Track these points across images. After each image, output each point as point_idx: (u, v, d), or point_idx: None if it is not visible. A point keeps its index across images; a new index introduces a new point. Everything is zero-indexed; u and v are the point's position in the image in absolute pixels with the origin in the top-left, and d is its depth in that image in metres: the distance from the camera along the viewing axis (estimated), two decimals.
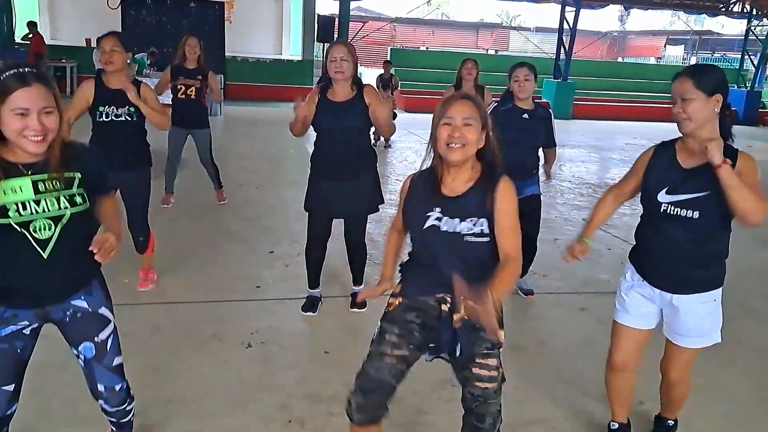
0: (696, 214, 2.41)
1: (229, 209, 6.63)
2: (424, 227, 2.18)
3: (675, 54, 36.67)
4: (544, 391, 3.38)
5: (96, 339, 2.21)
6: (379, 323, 2.33)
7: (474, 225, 2.14)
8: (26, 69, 1.87)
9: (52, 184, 1.99)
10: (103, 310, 2.24)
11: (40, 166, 1.97)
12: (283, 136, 11.65)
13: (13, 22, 17.17)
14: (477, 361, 2.22)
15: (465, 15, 45.81)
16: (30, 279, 2.04)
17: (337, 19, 17.40)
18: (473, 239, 2.14)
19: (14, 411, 2.20)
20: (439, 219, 2.16)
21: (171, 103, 6.12)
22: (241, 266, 4.91)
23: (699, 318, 2.55)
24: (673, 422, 3.04)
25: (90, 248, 1.93)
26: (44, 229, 1.99)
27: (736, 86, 21.14)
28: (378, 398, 2.23)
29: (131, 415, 2.51)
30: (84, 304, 2.19)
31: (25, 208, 1.94)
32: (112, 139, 3.84)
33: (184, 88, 6.12)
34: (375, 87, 4.14)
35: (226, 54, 16.89)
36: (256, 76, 17.51)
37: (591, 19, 31.19)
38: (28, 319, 2.11)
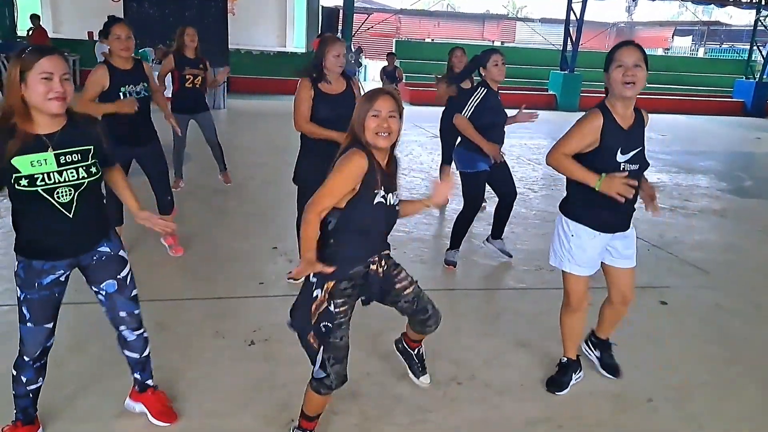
0: (637, 167, 2.90)
1: (232, 203, 6.60)
2: (374, 203, 2.47)
3: (683, 45, 36.39)
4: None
5: (118, 276, 2.62)
6: (325, 301, 2.52)
7: (396, 197, 2.57)
8: (44, 46, 2.28)
9: (72, 156, 2.35)
10: (122, 253, 2.65)
11: (57, 137, 2.32)
12: (287, 130, 11.60)
13: (15, 16, 17.15)
14: (395, 281, 2.73)
15: (471, 6, 45.68)
16: (64, 237, 2.43)
17: (341, 11, 17.32)
18: (397, 207, 2.60)
19: (52, 344, 2.61)
20: (384, 197, 2.49)
21: (172, 94, 6.38)
22: (245, 262, 4.87)
23: (633, 241, 3.17)
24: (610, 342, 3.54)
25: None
26: (65, 195, 2.34)
27: (744, 77, 20.98)
28: (346, 360, 2.60)
29: (148, 347, 2.82)
30: (107, 249, 2.59)
31: (50, 178, 2.30)
32: (135, 115, 4.24)
33: (191, 77, 6.38)
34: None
35: (230, 47, 16.83)
36: (260, 68, 17.44)
37: (598, 10, 30.99)
38: (63, 269, 2.50)
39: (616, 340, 3.89)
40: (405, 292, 2.75)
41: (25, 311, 2.49)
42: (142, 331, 2.76)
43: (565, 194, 3.13)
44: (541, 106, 18.23)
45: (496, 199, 5.15)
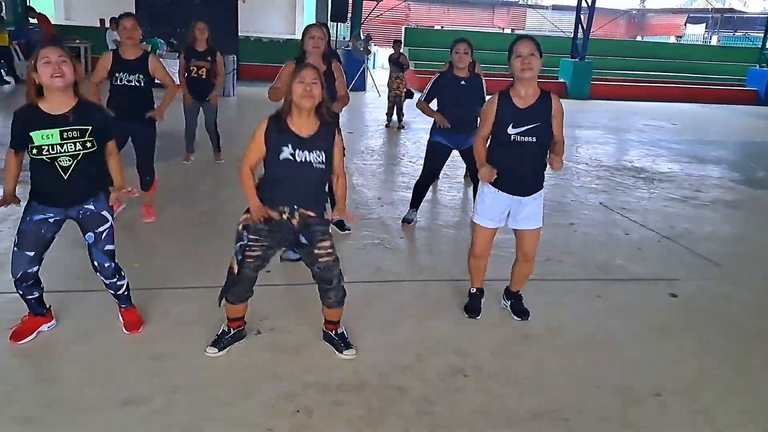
0: (534, 139, 3.46)
1: (239, 191, 6.56)
2: (281, 158, 2.99)
3: (696, 33, 35.93)
4: (556, 381, 3.29)
5: (96, 231, 3.23)
6: (240, 224, 3.12)
7: (318, 156, 3.02)
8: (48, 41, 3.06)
9: (72, 133, 3.01)
10: (105, 213, 3.24)
11: (63, 119, 2.99)
12: None
13: (28, 3, 17.17)
14: (316, 245, 3.15)
15: None
16: (57, 191, 3.10)
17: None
18: (317, 166, 3.03)
19: (36, 271, 3.22)
20: (292, 154, 2.98)
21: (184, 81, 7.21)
22: None
23: (536, 207, 3.66)
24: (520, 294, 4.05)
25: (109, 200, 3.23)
26: (65, 162, 3.02)
27: (757, 66, 20.71)
28: (244, 288, 3.23)
29: (123, 289, 3.45)
30: (92, 207, 3.20)
31: (53, 149, 2.98)
32: (124, 98, 4.95)
33: (195, 68, 7.06)
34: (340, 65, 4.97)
35: (239, 34, 16.76)
36: (269, 56, 17.31)
37: None
38: (53, 213, 3.15)
39: (625, 332, 3.87)
40: (321, 260, 3.16)
41: (16, 238, 3.16)
42: (115, 280, 3.37)
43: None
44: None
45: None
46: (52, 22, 16.64)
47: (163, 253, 4.73)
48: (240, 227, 3.12)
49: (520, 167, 3.55)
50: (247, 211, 3.13)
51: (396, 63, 11.45)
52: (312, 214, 3.12)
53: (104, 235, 3.25)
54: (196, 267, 4.45)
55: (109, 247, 3.29)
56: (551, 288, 4.44)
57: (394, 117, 11.46)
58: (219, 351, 3.31)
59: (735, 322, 4.11)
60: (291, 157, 2.99)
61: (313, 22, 17.76)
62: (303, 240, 3.15)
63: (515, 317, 3.94)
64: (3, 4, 15.91)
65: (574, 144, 10.80)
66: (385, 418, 2.90)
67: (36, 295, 3.31)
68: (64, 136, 2.99)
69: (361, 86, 16.52)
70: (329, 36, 4.62)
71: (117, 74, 4.93)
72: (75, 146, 3.01)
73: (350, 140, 5.28)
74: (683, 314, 4.19)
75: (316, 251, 3.16)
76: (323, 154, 3.05)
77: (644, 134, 12.23)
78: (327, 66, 4.53)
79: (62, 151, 2.99)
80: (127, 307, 3.53)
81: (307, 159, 3.01)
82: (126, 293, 3.49)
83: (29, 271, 3.18)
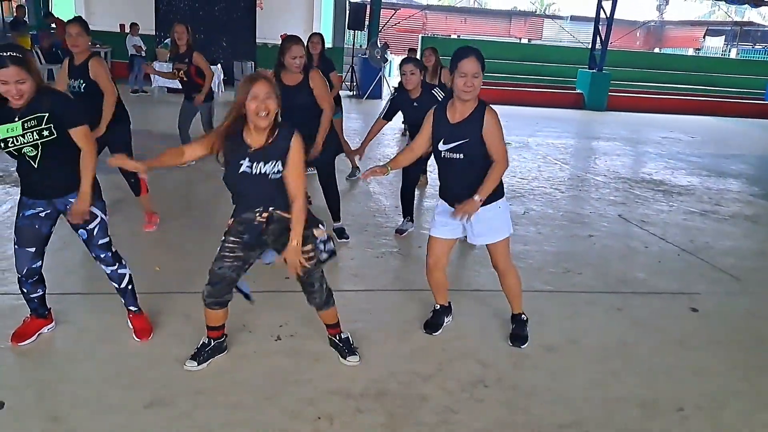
0: (461, 156, 3.33)
1: None
2: (239, 172, 2.94)
3: (714, 45, 35.76)
4: (578, 393, 3.28)
5: (87, 228, 3.27)
6: (224, 234, 3.12)
7: (274, 166, 2.93)
8: (5, 54, 2.84)
9: (30, 123, 3.00)
10: (93, 209, 3.23)
11: (23, 109, 2.98)
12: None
13: (50, 7, 17.37)
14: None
15: (498, 2, 45.20)
16: (32, 180, 3.16)
17: (368, 7, 17.28)
18: (274, 176, 2.95)
19: (39, 266, 3.32)
20: (249, 167, 2.92)
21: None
22: None
23: (488, 221, 3.45)
24: (525, 317, 3.84)
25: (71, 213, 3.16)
26: (30, 151, 3.04)
27: None
28: (222, 288, 3.14)
29: (126, 281, 3.47)
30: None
31: (17, 141, 3.01)
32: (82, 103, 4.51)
33: (177, 71, 7.13)
34: (320, 72, 5.03)
35: (257, 41, 16.87)
36: None
37: (628, 8, 30.59)
38: (42, 206, 3.21)
39: (646, 345, 3.85)
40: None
41: (14, 236, 3.25)
42: (115, 267, 3.41)
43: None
44: (568, 105, 18.09)
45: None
46: None
47: (183, 255, 4.76)
48: (227, 234, 3.12)
49: (454, 184, 3.45)
50: (231, 215, 3.14)
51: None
52: (288, 215, 3.03)
53: (96, 230, 3.30)
54: None
55: (102, 240, 3.34)
56: (571, 300, 4.43)
57: None
58: (198, 365, 3.24)
59: (757, 336, 4.08)
60: (248, 170, 2.94)
61: (346, 28, 17.92)
62: (270, 240, 3.13)
63: (508, 342, 3.74)
64: (26, 8, 16.15)
65: (591, 155, 10.79)
66: (407, 427, 2.91)
67: (40, 293, 3.39)
68: (25, 126, 2.99)
69: (377, 94, 16.58)
70: (307, 46, 4.85)
71: (69, 80, 4.78)
72: (33, 135, 3.01)
73: (367, 148, 5.29)
74: (704, 328, 4.17)
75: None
76: (279, 164, 2.96)
77: (662, 147, 12.17)
78: (305, 77, 4.78)
79: (24, 141, 3.01)
80: (136, 312, 3.56)
81: (262, 171, 2.94)
82: (130, 287, 3.50)
83: (33, 266, 3.27)
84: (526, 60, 21.60)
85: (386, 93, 16.99)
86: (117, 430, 2.75)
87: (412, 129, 5.31)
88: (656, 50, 34.45)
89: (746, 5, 22.46)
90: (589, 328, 4.04)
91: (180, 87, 7.43)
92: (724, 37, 35.43)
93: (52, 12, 16.93)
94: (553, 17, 35.33)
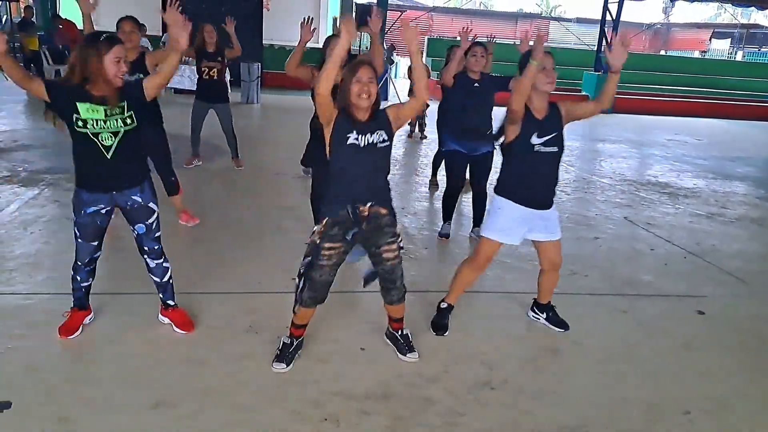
0: (556, 148, 3.49)
1: (264, 199, 6.64)
2: (347, 144, 3.00)
3: (721, 48, 35.68)
4: (583, 396, 3.28)
5: (146, 222, 3.38)
6: (319, 235, 3.11)
7: (380, 136, 3.04)
8: (114, 35, 3.08)
9: (113, 110, 3.07)
10: (151, 204, 3.37)
11: (107, 99, 3.04)
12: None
13: (58, 8, 17.42)
14: (384, 248, 3.21)
15: (504, 5, 45.21)
16: (100, 171, 3.17)
17: (374, 8, 17.28)
18: (381, 145, 3.06)
19: (99, 256, 3.45)
20: (356, 138, 3.00)
21: (196, 84, 7.50)
22: (277, 257, 4.89)
23: (555, 219, 3.70)
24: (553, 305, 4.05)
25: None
26: (108, 139, 3.09)
27: None
28: (324, 291, 3.22)
29: (169, 275, 3.58)
30: (139, 199, 3.31)
31: (97, 123, 3.04)
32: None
33: (207, 69, 7.21)
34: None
35: (264, 42, 16.89)
36: None
37: (634, 11, 30.52)
38: (103, 203, 3.25)
39: (652, 348, 3.85)
40: (388, 262, 3.24)
41: (76, 231, 3.31)
42: (161, 261, 3.52)
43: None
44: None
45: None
46: (80, 27, 16.89)
47: (188, 258, 4.77)
48: (317, 239, 3.12)
49: (543, 181, 3.58)
50: (322, 214, 3.15)
51: None
52: (384, 211, 3.15)
53: (153, 226, 3.41)
54: (223, 272, 4.49)
55: (157, 234, 3.46)
56: (577, 302, 4.42)
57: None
58: (287, 365, 3.28)
59: (763, 339, 4.07)
60: (357, 143, 3.00)
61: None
62: (368, 235, 3.18)
63: (556, 328, 3.95)
64: (33, 9, 16.21)
65: (597, 158, 10.77)
66: (412, 429, 2.91)
67: (89, 282, 3.50)
68: (108, 113, 3.05)
69: (383, 96, 16.58)
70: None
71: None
72: (116, 123, 3.08)
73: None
74: (711, 331, 4.16)
75: (384, 254, 3.22)
76: (384, 134, 3.07)
77: (668, 149, 12.15)
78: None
79: (105, 127, 3.06)
80: (174, 306, 3.65)
81: (369, 141, 3.02)
82: (171, 281, 3.61)
83: (95, 255, 3.42)
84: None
85: (392, 94, 17.00)
86: (122, 431, 2.76)
87: (467, 112, 5.28)
88: (662, 52, 34.39)
89: (753, 7, 22.41)
90: (594, 330, 4.04)
91: (186, 88, 7.50)
92: (730, 39, 35.37)
93: (60, 14, 16.98)
94: (559, 19, 35.31)
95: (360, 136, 3.00)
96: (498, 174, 3.68)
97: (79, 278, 3.45)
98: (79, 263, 3.39)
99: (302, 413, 2.95)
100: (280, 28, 20.02)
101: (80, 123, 3.03)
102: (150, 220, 3.38)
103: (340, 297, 4.28)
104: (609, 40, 17.67)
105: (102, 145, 3.08)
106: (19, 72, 3.00)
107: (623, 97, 18.35)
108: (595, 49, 18.76)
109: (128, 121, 3.12)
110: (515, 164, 3.55)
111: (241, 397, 3.04)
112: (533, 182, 3.55)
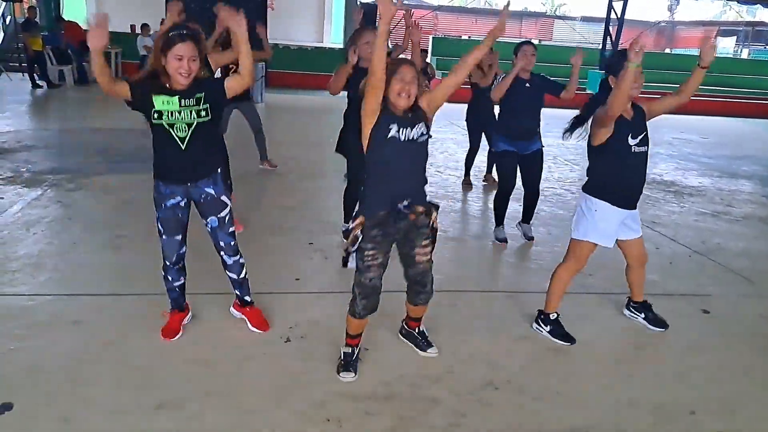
0: (646, 148, 3.56)
1: (268, 198, 6.63)
2: (387, 137, 2.95)
3: (726, 46, 35.53)
4: (589, 397, 3.25)
5: (219, 216, 3.40)
6: (357, 231, 3.04)
7: (419, 129, 3.01)
8: (184, 30, 3.03)
9: (188, 101, 3.10)
10: (224, 198, 3.40)
11: (181, 91, 3.09)
12: (323, 125, 11.64)
13: (61, 9, 17.44)
14: (417, 249, 3.19)
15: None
16: (175, 162, 3.21)
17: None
18: (421, 139, 3.03)
19: (185, 252, 3.48)
20: (397, 131, 2.95)
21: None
22: (281, 257, 4.88)
23: (638, 216, 3.79)
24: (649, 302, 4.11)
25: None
26: (182, 130, 3.13)
27: None
28: (375, 297, 3.16)
29: (245, 271, 3.62)
30: (212, 192, 3.35)
31: (172, 115, 3.09)
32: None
33: (234, 67, 6.71)
34: None
35: (268, 41, 16.86)
36: (298, 63, 17.46)
37: (639, 9, 30.43)
38: (180, 195, 3.30)
39: (657, 348, 3.83)
40: (420, 265, 3.23)
41: (159, 227, 3.35)
42: (238, 257, 3.55)
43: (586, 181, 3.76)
44: (579, 106, 17.98)
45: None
46: (84, 27, 16.91)
47: (193, 257, 4.75)
48: (358, 232, 3.05)
49: (638, 180, 3.64)
50: (357, 217, 3.07)
51: (423, 72, 11.46)
52: (421, 209, 3.14)
53: (226, 219, 3.43)
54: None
55: (231, 228, 3.48)
56: (582, 301, 4.39)
57: None
58: (355, 373, 3.25)
59: None
60: (397, 136, 2.96)
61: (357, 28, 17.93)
62: (408, 235, 3.16)
63: (656, 328, 3.99)
64: (37, 9, 16.24)
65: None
66: (415, 429, 2.89)
67: (182, 281, 3.54)
68: (182, 104, 3.10)
69: None
70: None
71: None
72: (191, 114, 3.12)
73: None
74: (717, 331, 4.13)
75: (416, 256, 3.21)
76: (423, 127, 3.05)
77: (673, 147, 12.10)
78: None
79: (180, 118, 3.10)
80: (251, 303, 3.71)
81: (410, 137, 2.99)
82: (247, 277, 3.65)
83: (180, 252, 3.44)
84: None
85: None
86: None
87: (519, 112, 5.30)
88: (667, 51, 34.27)
89: (758, 5, 22.30)
90: (599, 330, 4.01)
91: None
92: (735, 37, 35.21)
93: (63, 16, 16.99)
94: (564, 18, 35.22)
95: (401, 129, 2.97)
96: (589, 175, 3.71)
97: (170, 278, 3.48)
98: (167, 262, 3.42)
99: (306, 414, 2.93)
100: (284, 28, 20.06)
101: (156, 115, 3.09)
102: (222, 213, 3.40)
103: (344, 297, 4.27)
104: (613, 39, 17.63)
105: (177, 136, 3.13)
106: (108, 74, 2.99)
107: None
108: (600, 47, 18.68)
109: (202, 113, 3.15)
110: (613, 166, 3.55)
111: (245, 399, 3.03)
112: (631, 183, 3.60)
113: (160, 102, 3.08)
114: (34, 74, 14.13)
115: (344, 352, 3.30)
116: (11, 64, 15.73)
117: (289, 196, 6.72)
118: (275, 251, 5.01)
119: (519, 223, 5.76)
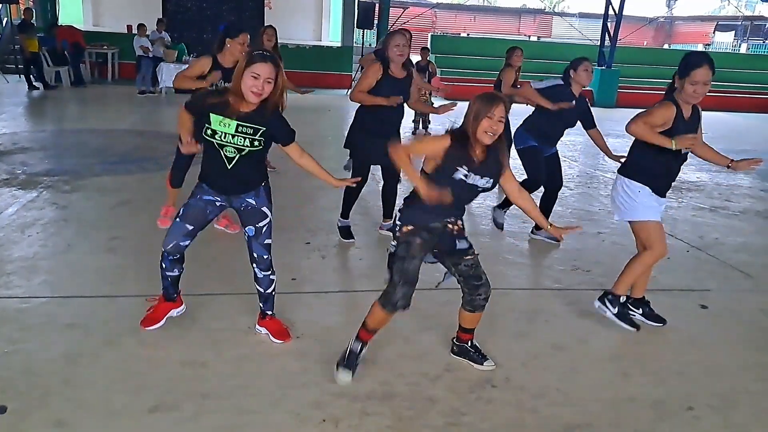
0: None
1: None
2: (454, 177, 3.01)
3: (724, 40, 35.49)
4: (588, 393, 3.24)
5: (256, 225, 3.39)
6: (404, 238, 3.11)
7: (486, 182, 3.09)
8: (266, 53, 3.07)
9: (246, 129, 3.13)
10: (264, 209, 3.42)
11: (244, 115, 3.11)
12: (322, 123, 11.62)
13: (57, 10, 17.40)
14: (464, 256, 3.20)
15: (507, 0, 45.00)
16: (219, 178, 3.29)
17: (377, 5, 17.24)
18: (482, 188, 3.11)
19: (185, 246, 3.40)
20: (466, 175, 3.01)
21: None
22: (278, 257, 4.81)
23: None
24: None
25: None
26: (231, 152, 3.17)
27: None
28: (413, 288, 3.09)
29: (273, 287, 3.56)
30: (253, 202, 3.38)
31: (225, 137, 3.13)
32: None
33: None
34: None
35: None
36: (296, 62, 17.31)
37: (637, 4, 30.40)
38: (221, 199, 3.38)
39: (656, 344, 3.81)
40: (467, 257, 3.18)
41: (181, 210, 3.37)
42: (269, 272, 3.51)
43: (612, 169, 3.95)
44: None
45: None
46: (81, 28, 16.88)
47: (188, 257, 4.74)
48: (412, 237, 3.11)
49: (677, 172, 3.82)
50: (405, 225, 3.15)
51: (424, 70, 11.45)
52: (461, 224, 3.22)
53: (264, 229, 3.41)
54: (223, 273, 4.46)
55: (267, 240, 3.46)
56: (579, 298, 4.38)
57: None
58: (354, 374, 3.17)
59: None
60: (464, 178, 3.02)
61: (354, 27, 17.89)
62: (457, 245, 3.18)
63: (655, 324, 3.99)
64: (33, 11, 16.20)
65: (600, 152, 10.66)
66: (414, 429, 2.88)
67: (176, 273, 3.50)
68: (239, 130, 3.12)
69: None
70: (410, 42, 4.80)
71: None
72: (243, 141, 3.14)
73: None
74: (715, 326, 4.11)
75: (463, 253, 3.20)
76: (491, 181, 3.12)
77: None
78: (408, 72, 4.89)
79: (231, 142, 3.13)
80: (272, 315, 3.62)
81: (475, 182, 3.06)
82: (274, 293, 3.59)
83: (181, 244, 3.37)
84: (536, 58, 21.44)
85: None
86: None
87: (564, 125, 5.40)
88: (666, 46, 34.24)
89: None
90: (598, 326, 3.99)
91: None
92: (734, 32, 35.17)
93: (59, 22, 16.93)
94: (563, 14, 35.18)
95: (471, 174, 3.02)
96: (634, 161, 3.82)
97: (164, 265, 3.45)
98: (164, 250, 3.38)
99: (302, 415, 2.91)
100: (282, 26, 19.97)
101: (209, 132, 3.13)
102: (261, 224, 3.39)
103: (341, 297, 4.27)
104: (612, 35, 17.60)
105: (225, 156, 3.17)
106: (188, 123, 3.25)
107: (627, 92, 18.29)
108: (598, 43, 18.66)
109: (256, 143, 3.17)
110: (665, 159, 3.67)
111: (241, 400, 3.00)
112: (672, 175, 3.80)
113: (217, 122, 3.10)
114: (31, 76, 14.10)
115: (351, 348, 3.19)
116: (7, 65, 15.68)
117: (286, 196, 6.67)
118: (272, 251, 4.97)
119: (495, 207, 5.86)
